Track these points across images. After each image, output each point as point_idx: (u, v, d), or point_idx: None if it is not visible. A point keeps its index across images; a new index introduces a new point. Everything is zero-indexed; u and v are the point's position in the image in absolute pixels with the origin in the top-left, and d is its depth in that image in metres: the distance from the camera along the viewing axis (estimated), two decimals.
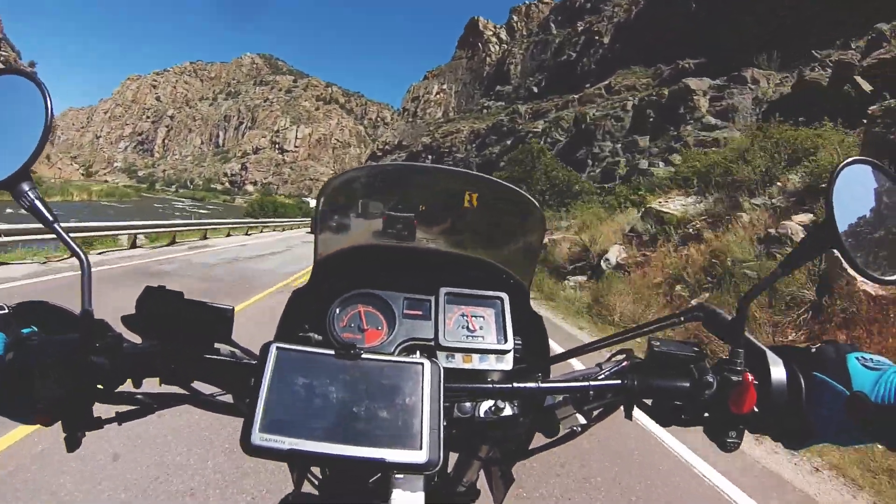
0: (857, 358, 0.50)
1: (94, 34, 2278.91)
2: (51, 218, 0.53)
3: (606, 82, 58.77)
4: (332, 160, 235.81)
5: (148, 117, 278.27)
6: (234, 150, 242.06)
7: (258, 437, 0.44)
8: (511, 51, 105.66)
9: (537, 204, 0.80)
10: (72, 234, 0.51)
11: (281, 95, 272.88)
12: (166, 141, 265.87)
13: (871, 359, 0.50)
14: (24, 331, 0.51)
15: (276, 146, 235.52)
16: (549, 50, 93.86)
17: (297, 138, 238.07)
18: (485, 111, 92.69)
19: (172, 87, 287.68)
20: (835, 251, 0.51)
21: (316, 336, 0.69)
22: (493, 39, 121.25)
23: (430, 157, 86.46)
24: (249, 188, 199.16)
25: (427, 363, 0.52)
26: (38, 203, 0.52)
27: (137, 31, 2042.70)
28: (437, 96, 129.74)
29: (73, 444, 0.51)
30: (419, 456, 0.45)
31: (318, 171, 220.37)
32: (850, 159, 0.54)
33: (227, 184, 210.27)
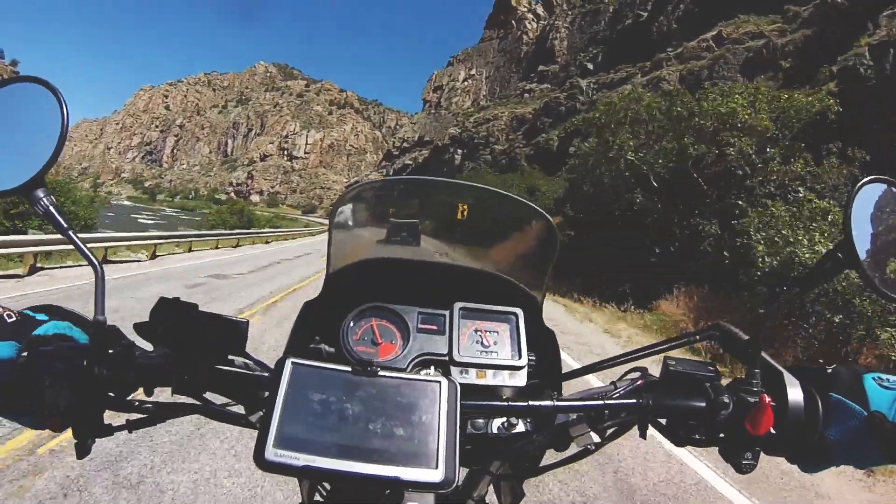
0: (873, 378, 0.50)
1: (112, 46, 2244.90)
2: (65, 224, 0.52)
3: (714, 32, 41.06)
4: (347, 167, 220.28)
5: (157, 126, 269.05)
6: (241, 159, 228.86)
7: (272, 453, 0.43)
8: (553, 25, 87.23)
9: (549, 218, 0.78)
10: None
11: (292, 99, 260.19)
12: (175, 150, 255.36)
13: (888, 379, 0.50)
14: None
15: (285, 152, 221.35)
16: (603, 19, 75.90)
17: (307, 144, 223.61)
18: (526, 95, 74.67)
19: (183, 97, 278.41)
20: (853, 271, 0.50)
21: (327, 348, 0.68)
22: (529, 16, 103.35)
23: (460, 150, 68.19)
24: (255, 198, 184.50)
25: (444, 381, 0.51)
26: (52, 209, 0.52)
27: (155, 43, 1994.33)
28: (465, 83, 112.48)
29: (83, 450, 0.51)
30: (435, 475, 0.44)
31: (330, 179, 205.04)
32: (867, 178, 0.54)
33: (232, 194, 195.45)
